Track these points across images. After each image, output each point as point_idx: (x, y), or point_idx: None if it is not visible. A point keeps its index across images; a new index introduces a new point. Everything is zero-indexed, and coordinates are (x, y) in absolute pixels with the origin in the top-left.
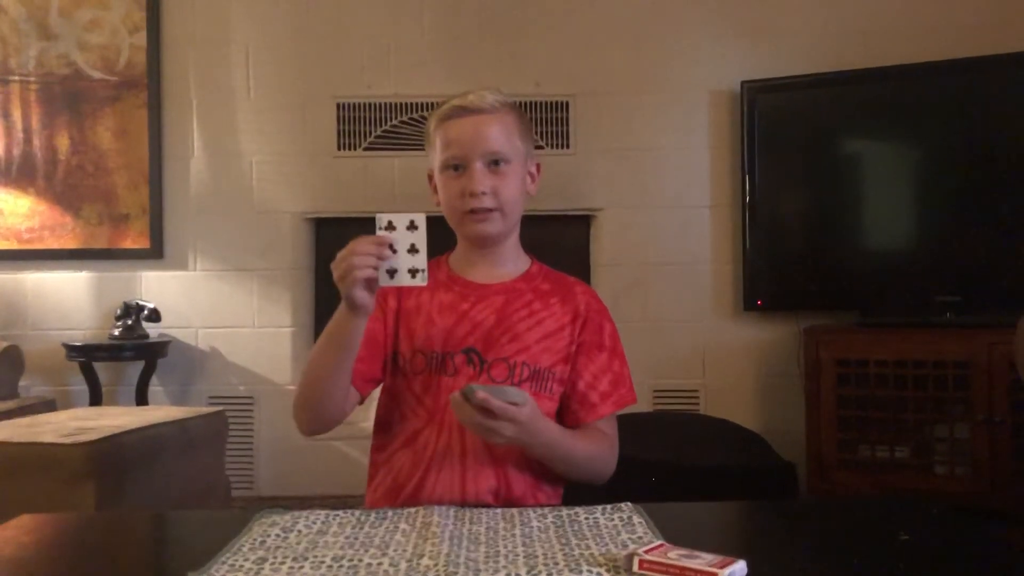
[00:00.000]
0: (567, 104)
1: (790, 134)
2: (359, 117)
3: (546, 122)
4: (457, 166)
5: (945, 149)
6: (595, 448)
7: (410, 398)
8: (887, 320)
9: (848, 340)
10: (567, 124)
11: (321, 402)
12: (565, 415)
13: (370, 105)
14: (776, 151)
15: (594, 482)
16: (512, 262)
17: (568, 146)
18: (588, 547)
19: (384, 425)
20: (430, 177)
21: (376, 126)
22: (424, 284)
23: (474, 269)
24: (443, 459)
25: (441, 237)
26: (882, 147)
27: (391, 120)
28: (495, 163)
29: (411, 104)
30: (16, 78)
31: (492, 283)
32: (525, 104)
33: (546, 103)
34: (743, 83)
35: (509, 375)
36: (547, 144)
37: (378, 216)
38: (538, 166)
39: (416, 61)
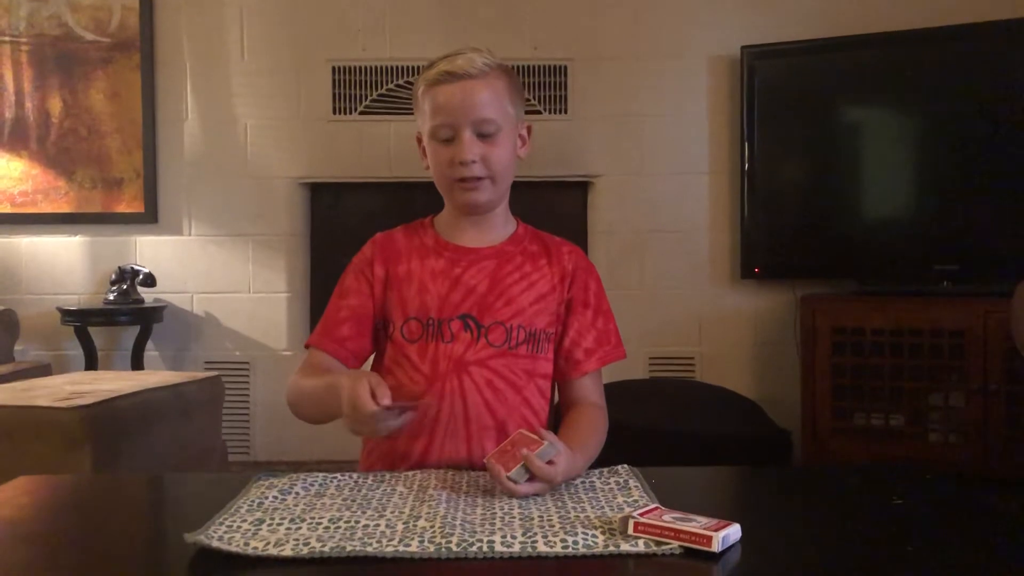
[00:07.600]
0: (565, 68)
1: (789, 100)
2: (354, 81)
3: (544, 86)
4: (446, 134)
5: (945, 116)
6: (600, 433)
7: (406, 365)
8: (884, 288)
9: (845, 308)
10: (565, 89)
11: (317, 421)
12: (553, 372)
13: (366, 69)
14: (775, 117)
15: None
16: (501, 226)
17: (566, 111)
18: (584, 510)
19: None
20: (419, 140)
21: (372, 90)
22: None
23: (463, 235)
24: (447, 425)
25: (430, 201)
26: (882, 114)
27: (387, 84)
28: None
29: (407, 68)
30: (7, 39)
31: (482, 247)
32: (522, 68)
33: (544, 67)
34: (743, 48)
35: (507, 339)
36: (544, 109)
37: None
38: (529, 128)
39: (412, 24)
